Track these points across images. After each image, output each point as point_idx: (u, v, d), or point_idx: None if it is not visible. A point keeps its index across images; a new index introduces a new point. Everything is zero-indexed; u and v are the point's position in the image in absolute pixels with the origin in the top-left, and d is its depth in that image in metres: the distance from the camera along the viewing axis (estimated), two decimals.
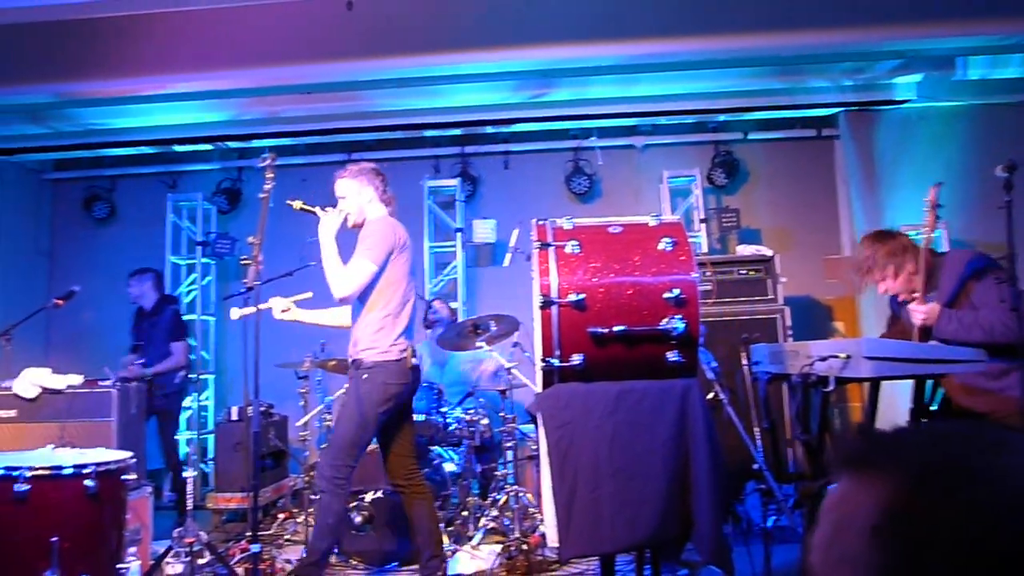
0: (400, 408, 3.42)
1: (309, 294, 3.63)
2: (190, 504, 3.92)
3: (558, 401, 2.63)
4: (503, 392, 4.45)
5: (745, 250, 5.52)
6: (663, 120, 6.41)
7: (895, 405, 5.06)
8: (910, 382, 3.13)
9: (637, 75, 5.48)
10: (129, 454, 3.20)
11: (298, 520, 4.72)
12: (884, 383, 3.06)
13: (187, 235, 6.84)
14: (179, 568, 3.83)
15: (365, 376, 3.29)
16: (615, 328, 2.57)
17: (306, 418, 4.67)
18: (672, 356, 2.61)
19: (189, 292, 6.76)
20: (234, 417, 5.27)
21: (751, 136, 6.59)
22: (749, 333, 3.96)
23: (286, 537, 4.63)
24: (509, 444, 4.41)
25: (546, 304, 2.60)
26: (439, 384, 4.71)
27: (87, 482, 2.84)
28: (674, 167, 6.42)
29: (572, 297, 2.59)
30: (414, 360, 3.42)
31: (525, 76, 5.31)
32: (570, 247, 2.67)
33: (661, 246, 2.68)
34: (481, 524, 4.25)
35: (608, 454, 2.58)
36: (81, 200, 7.02)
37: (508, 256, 4.76)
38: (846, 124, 6.17)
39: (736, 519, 4.10)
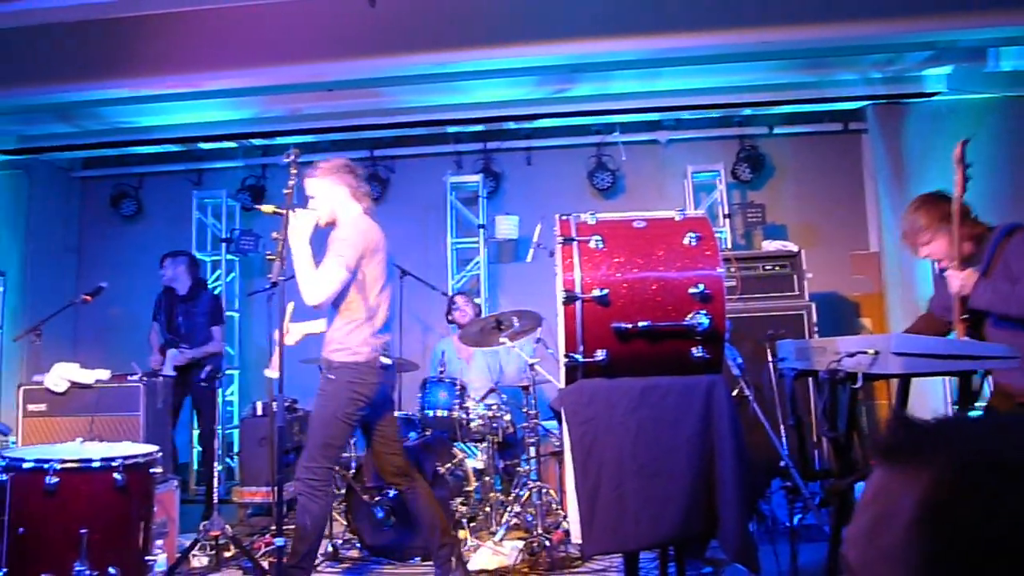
0: (378, 406, 3.39)
1: (291, 305, 3.53)
2: (216, 498, 3.96)
3: (581, 397, 2.61)
4: (526, 388, 4.45)
5: (770, 246, 5.47)
6: (687, 115, 6.36)
7: (925, 402, 5.00)
8: (941, 378, 3.08)
9: (661, 69, 5.44)
10: (156, 448, 3.23)
11: None
12: (914, 379, 3.00)
13: (212, 232, 6.91)
14: (205, 561, 3.88)
15: (332, 377, 3.24)
16: (639, 324, 2.55)
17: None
18: (697, 352, 2.58)
19: (214, 288, 6.82)
20: (259, 412, 5.32)
21: (777, 130, 6.51)
22: (774, 329, 3.92)
23: None
24: (532, 440, 4.40)
25: (569, 300, 2.58)
26: (462, 380, 4.71)
27: (115, 475, 2.88)
28: (698, 162, 6.37)
29: (596, 292, 2.57)
30: (386, 360, 3.37)
31: (548, 71, 5.29)
32: (594, 242, 2.65)
33: (686, 241, 2.65)
34: (504, 520, 4.24)
35: (632, 450, 2.55)
36: (109, 197, 7.12)
37: (531, 252, 4.76)
38: (874, 117, 6.07)
39: (761, 517, 4.06)
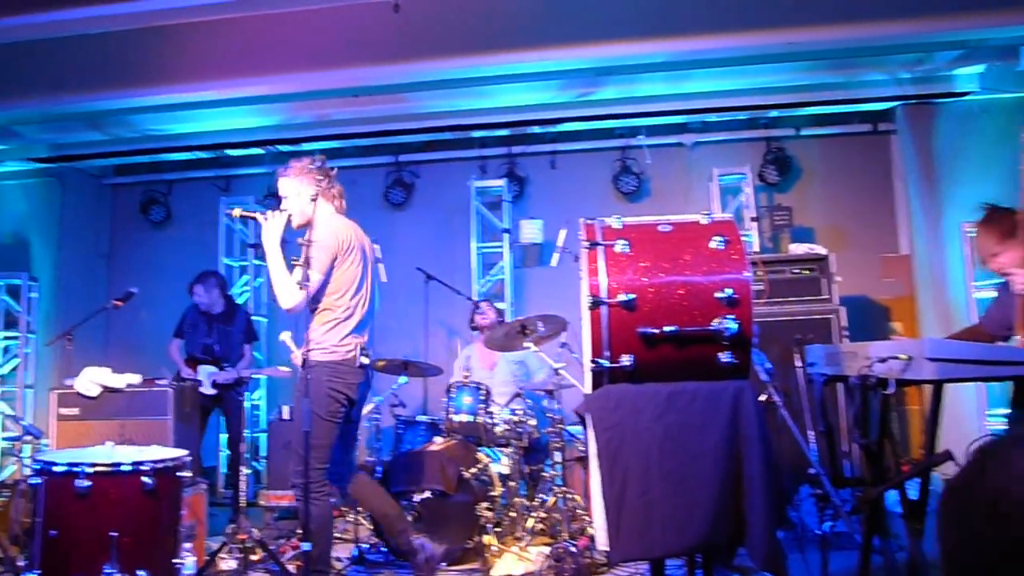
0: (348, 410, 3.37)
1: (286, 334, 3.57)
2: (243, 501, 3.99)
3: (607, 402, 2.59)
4: (551, 393, 4.43)
5: (798, 249, 5.41)
6: (713, 117, 6.30)
7: (959, 408, 4.90)
8: (974, 384, 3.01)
9: (686, 72, 5.39)
10: (185, 452, 3.26)
11: (348, 518, 4.76)
12: (948, 385, 2.94)
13: (240, 237, 6.99)
14: (233, 564, 3.90)
15: (310, 376, 3.22)
16: (666, 328, 2.52)
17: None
18: (724, 357, 2.55)
19: (242, 293, 6.90)
20: (286, 416, 5.36)
21: (804, 132, 6.45)
22: (803, 334, 3.86)
23: (336, 535, 4.67)
24: (557, 445, 4.38)
25: (595, 304, 2.56)
26: (487, 385, 4.70)
27: (145, 479, 2.91)
28: (724, 165, 6.32)
29: (622, 297, 2.54)
30: (365, 359, 3.35)
31: (572, 75, 5.27)
32: (619, 246, 2.63)
33: (713, 244, 2.62)
34: (529, 525, 4.23)
35: (658, 457, 2.53)
36: (139, 204, 7.24)
37: (555, 256, 4.75)
38: (904, 118, 5.98)
39: (790, 525, 4.00)
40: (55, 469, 2.88)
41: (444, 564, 3.97)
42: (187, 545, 3.41)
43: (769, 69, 5.40)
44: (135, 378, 4.69)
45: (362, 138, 6.52)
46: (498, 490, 4.32)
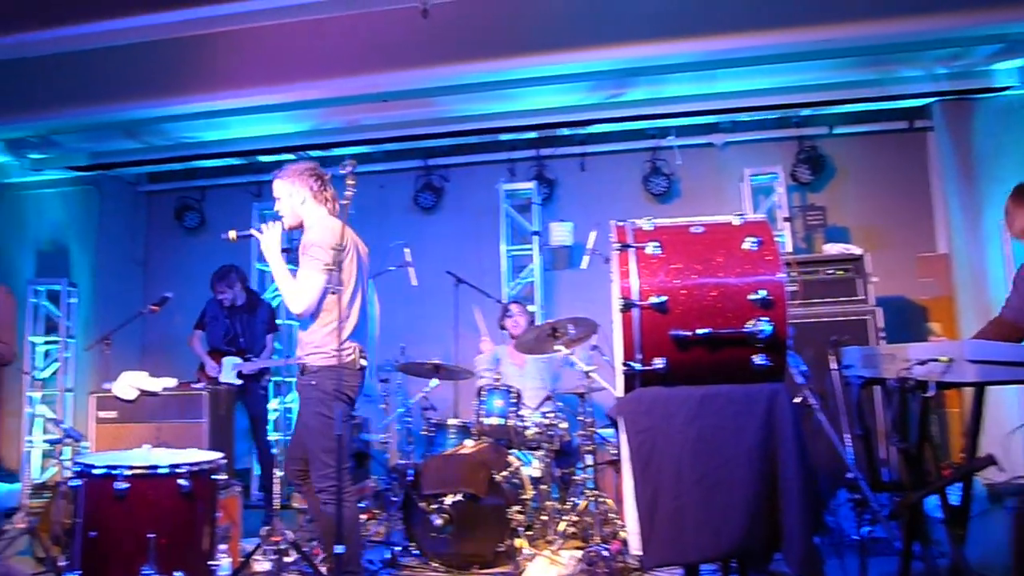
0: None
1: None
2: (277, 504, 4.03)
3: (640, 405, 2.58)
4: (582, 396, 4.41)
5: (832, 249, 5.33)
6: (744, 116, 6.24)
7: (1000, 411, 4.78)
8: (1016, 387, 2.93)
9: (716, 71, 5.35)
10: (220, 454, 3.30)
11: (380, 521, 4.79)
12: (989, 388, 2.87)
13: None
14: (267, 565, 3.94)
15: (313, 382, 3.22)
16: (698, 331, 2.50)
17: (387, 420, 4.73)
18: (758, 360, 2.52)
19: (274, 297, 6.97)
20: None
21: (837, 130, 6.35)
22: (837, 335, 3.80)
23: (368, 538, 4.70)
24: (588, 448, 4.36)
25: (627, 307, 2.54)
26: (517, 388, 4.69)
27: (181, 481, 2.95)
28: (756, 164, 6.25)
29: (653, 299, 2.53)
30: (363, 362, 3.35)
31: (601, 76, 5.25)
32: (651, 248, 2.61)
33: (746, 246, 2.59)
34: (560, 529, 4.21)
35: (691, 461, 2.51)
36: (173, 210, 7.37)
37: (586, 258, 4.74)
38: (941, 115, 5.85)
39: (827, 530, 3.93)
40: (94, 471, 2.93)
41: (477, 567, 3.96)
42: (222, 547, 3.45)
43: (801, 67, 5.33)
44: (171, 382, 4.76)
45: (391, 143, 6.56)
46: (529, 493, 4.31)
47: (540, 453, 4.51)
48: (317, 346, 3.28)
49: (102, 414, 4.54)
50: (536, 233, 6.57)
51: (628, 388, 2.64)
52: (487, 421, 4.54)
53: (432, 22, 4.73)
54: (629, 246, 2.62)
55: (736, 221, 2.70)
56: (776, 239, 2.71)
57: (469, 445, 4.47)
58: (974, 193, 5.65)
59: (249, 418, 5.41)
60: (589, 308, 4.58)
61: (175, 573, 2.87)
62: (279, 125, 6.11)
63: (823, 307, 4.99)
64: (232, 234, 3.43)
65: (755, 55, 4.94)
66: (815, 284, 5.07)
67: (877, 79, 5.58)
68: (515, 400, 4.59)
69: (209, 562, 3.09)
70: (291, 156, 6.86)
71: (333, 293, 3.16)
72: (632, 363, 2.56)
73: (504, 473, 4.15)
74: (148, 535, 2.83)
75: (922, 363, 2.46)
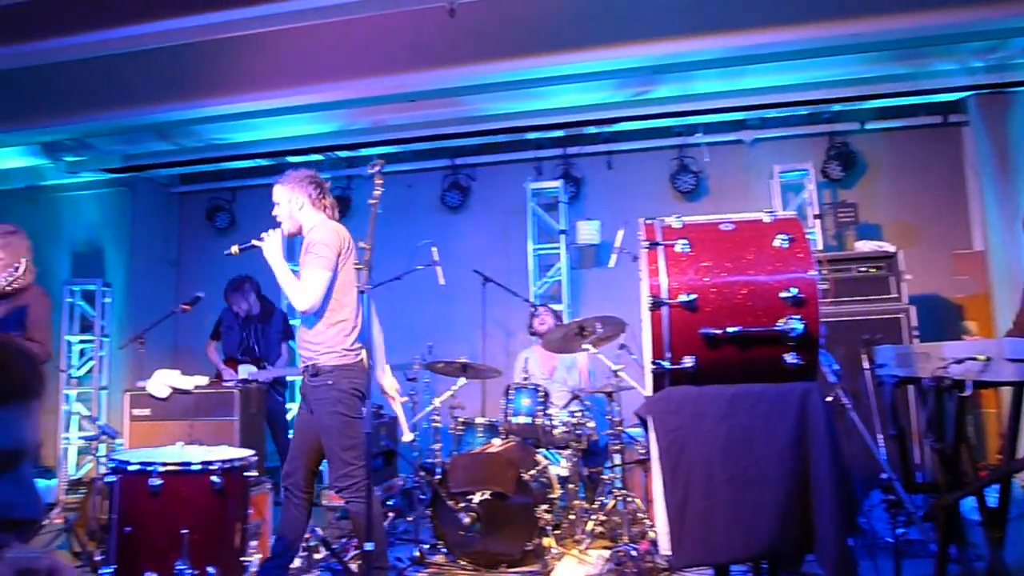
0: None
1: None
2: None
3: (669, 405, 2.56)
4: (609, 395, 4.39)
5: (865, 246, 5.25)
6: (773, 113, 6.16)
7: None
8: None
9: (744, 67, 5.28)
10: (251, 452, 3.34)
11: (408, 519, 4.81)
12: None
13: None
14: (297, 562, 3.98)
15: (330, 382, 3.23)
16: (729, 329, 2.47)
17: (415, 419, 4.75)
18: (790, 358, 2.49)
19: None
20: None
21: (869, 126, 6.26)
22: (870, 334, 3.74)
23: (397, 535, 4.73)
24: (616, 448, 4.34)
25: (656, 305, 2.53)
26: (545, 387, 4.69)
27: (213, 478, 2.98)
28: (785, 161, 6.18)
29: (683, 298, 2.51)
30: (369, 361, 3.35)
31: (628, 74, 5.22)
32: (680, 246, 2.59)
33: (776, 243, 2.56)
34: (588, 528, 4.20)
35: (722, 460, 2.48)
36: (204, 211, 7.47)
37: (613, 257, 4.71)
38: (976, 109, 5.74)
39: (860, 532, 3.87)
40: (129, 468, 2.97)
41: (505, 565, 3.97)
42: (253, 543, 3.49)
43: (832, 62, 5.24)
44: (203, 380, 4.82)
45: (418, 142, 6.58)
46: (557, 492, 4.30)
47: (568, 452, 4.50)
48: (330, 346, 3.30)
49: (136, 411, 4.62)
50: (563, 232, 6.56)
51: (657, 387, 2.62)
52: (515, 420, 4.54)
53: (458, 21, 4.73)
54: (658, 244, 2.61)
55: (767, 218, 2.67)
56: (807, 236, 2.67)
57: (497, 444, 4.48)
58: (1011, 189, 5.53)
59: (268, 424, 5.47)
60: (616, 307, 4.56)
61: (208, 568, 2.90)
62: (307, 126, 6.16)
63: (855, 305, 4.93)
64: (235, 249, 3.50)
65: (784, 50, 4.87)
66: (847, 282, 5.01)
67: (910, 73, 5.47)
68: (543, 399, 4.58)
69: (241, 558, 3.13)
70: (319, 156, 6.93)
71: (362, 293, 3.18)
72: (661, 362, 2.54)
73: (532, 472, 4.15)
74: (182, 531, 2.87)
75: (959, 362, 2.41)
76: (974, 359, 2.35)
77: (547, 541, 3.99)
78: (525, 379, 4.82)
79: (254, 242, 3.49)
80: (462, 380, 5.02)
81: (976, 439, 5.37)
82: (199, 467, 3.00)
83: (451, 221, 6.97)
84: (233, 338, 5.55)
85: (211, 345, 5.62)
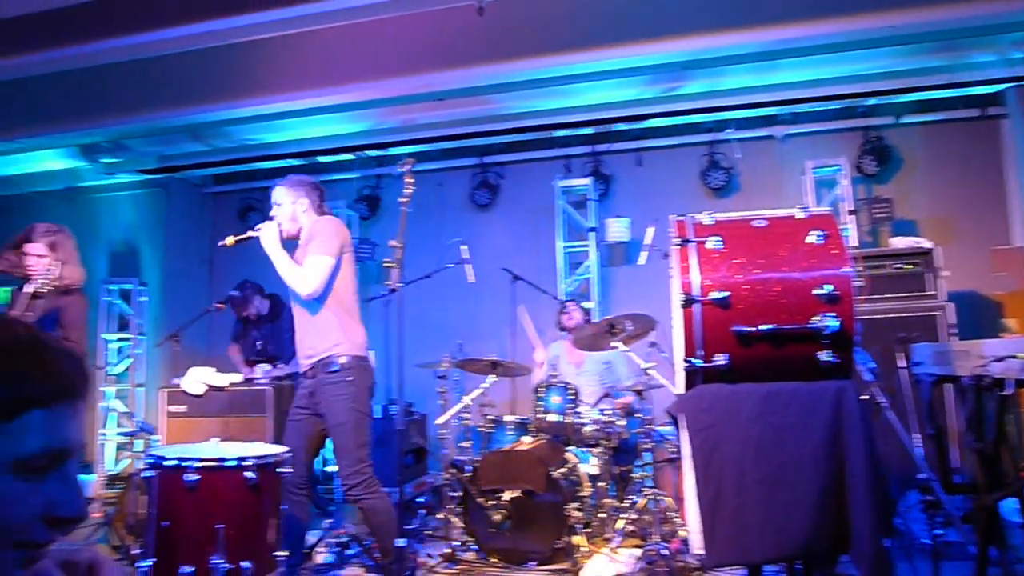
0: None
1: None
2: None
3: (701, 403, 2.54)
4: (640, 393, 4.37)
5: (900, 242, 5.17)
6: (805, 107, 6.08)
7: None
8: None
9: (776, 62, 5.22)
10: (285, 448, 3.37)
11: (438, 516, 4.83)
12: None
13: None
14: (330, 558, 4.03)
15: (350, 378, 3.25)
16: (762, 327, 2.45)
17: (445, 416, 4.77)
18: (824, 356, 2.45)
19: None
20: (378, 415, 5.48)
21: (904, 120, 6.14)
22: (906, 331, 3.68)
23: (427, 532, 4.75)
24: (647, 446, 4.32)
25: (688, 302, 2.51)
26: (575, 385, 4.68)
27: (248, 474, 3.02)
28: (818, 157, 6.09)
29: (715, 295, 2.48)
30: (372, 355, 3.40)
31: (657, 70, 5.18)
32: (712, 243, 2.56)
33: (810, 239, 2.52)
34: (619, 526, 4.18)
35: (754, 459, 2.45)
36: (237, 211, 7.56)
37: (643, 254, 4.69)
38: (1015, 101, 5.60)
39: (897, 533, 3.81)
40: (166, 463, 3.02)
41: (535, 563, 3.97)
42: None
43: (866, 55, 5.15)
44: (237, 377, 4.90)
45: (447, 141, 6.60)
46: (587, 490, 4.30)
47: (598, 450, 4.49)
48: (344, 336, 3.32)
49: (172, 408, 4.70)
50: (592, 229, 6.54)
51: (689, 385, 2.60)
52: (545, 417, 4.54)
53: (487, 20, 4.74)
54: (689, 241, 2.59)
55: (800, 214, 2.64)
56: (842, 232, 2.63)
57: (527, 441, 4.48)
58: None
59: None
60: (646, 304, 4.54)
61: (242, 563, 2.94)
62: (337, 126, 6.21)
63: (890, 303, 4.85)
64: (230, 240, 3.52)
65: (817, 44, 4.80)
66: (882, 279, 4.93)
67: (947, 65, 5.35)
68: (573, 397, 4.58)
69: (274, 553, 3.17)
70: (350, 156, 6.99)
71: (393, 291, 3.20)
72: (693, 359, 2.52)
73: (562, 470, 4.15)
74: (217, 525, 2.91)
75: (999, 360, 2.37)
76: (1015, 357, 2.30)
77: (577, 539, 3.99)
78: (554, 376, 4.82)
79: (250, 233, 3.51)
80: (492, 378, 5.02)
81: (1017, 439, 5.24)
82: (234, 463, 3.04)
83: (480, 219, 6.99)
84: (247, 343, 5.62)
85: (232, 347, 5.69)
